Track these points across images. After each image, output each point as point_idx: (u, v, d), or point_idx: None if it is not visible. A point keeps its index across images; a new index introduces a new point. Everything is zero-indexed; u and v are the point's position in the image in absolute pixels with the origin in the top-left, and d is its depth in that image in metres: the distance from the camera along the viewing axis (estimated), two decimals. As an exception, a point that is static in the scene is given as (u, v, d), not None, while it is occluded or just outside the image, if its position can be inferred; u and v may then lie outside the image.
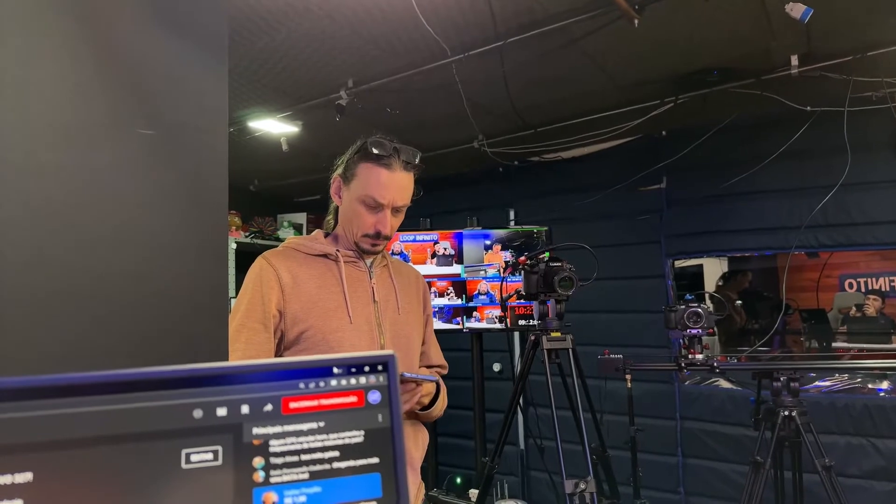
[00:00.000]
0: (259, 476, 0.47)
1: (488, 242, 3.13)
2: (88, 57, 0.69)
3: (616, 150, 3.35)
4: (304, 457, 0.49)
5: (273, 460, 0.48)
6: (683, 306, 2.11)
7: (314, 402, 0.50)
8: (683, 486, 3.14)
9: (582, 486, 1.84)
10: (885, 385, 2.85)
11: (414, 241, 3.14)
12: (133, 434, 0.45)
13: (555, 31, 2.01)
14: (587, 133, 3.12)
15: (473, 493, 2.68)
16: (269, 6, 1.86)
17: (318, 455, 0.49)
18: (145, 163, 0.73)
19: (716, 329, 4.03)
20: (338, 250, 1.36)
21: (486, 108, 2.77)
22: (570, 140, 3.20)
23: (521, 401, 2.30)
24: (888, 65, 2.29)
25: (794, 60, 2.26)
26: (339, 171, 1.37)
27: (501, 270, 3.06)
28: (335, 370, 0.51)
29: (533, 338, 2.16)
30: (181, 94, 0.77)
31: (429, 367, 1.56)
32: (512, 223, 3.76)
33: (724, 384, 3.12)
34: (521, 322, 3.03)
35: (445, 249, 3.12)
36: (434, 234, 3.14)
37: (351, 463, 0.50)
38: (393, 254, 3.05)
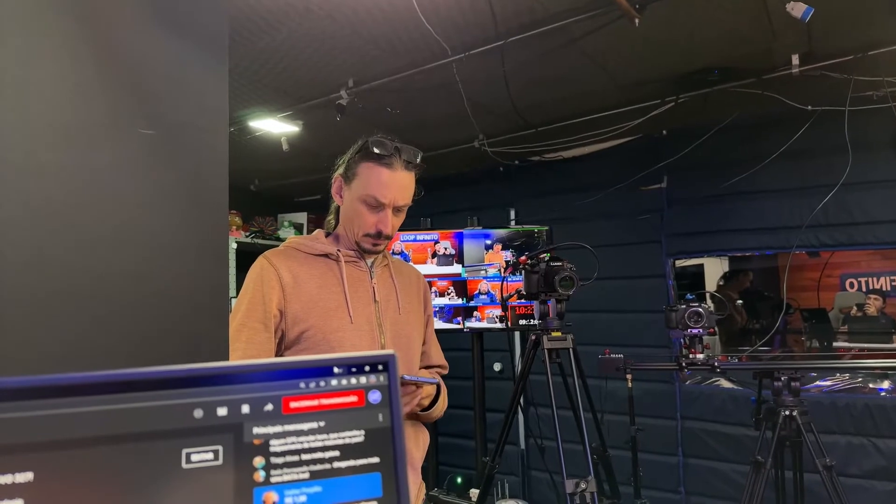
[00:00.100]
0: (259, 476, 0.47)
1: (489, 242, 3.13)
2: (88, 57, 0.69)
3: (617, 150, 3.34)
4: (305, 456, 0.49)
5: (273, 460, 0.48)
6: (684, 306, 2.11)
7: (315, 402, 0.50)
8: (684, 485, 3.14)
9: (582, 485, 1.84)
10: (885, 385, 2.84)
11: (414, 240, 3.14)
12: (133, 434, 0.45)
13: (555, 31, 2.01)
14: (588, 132, 3.11)
15: (474, 492, 2.68)
16: (270, 6, 1.86)
17: (319, 455, 0.49)
18: (145, 163, 0.73)
19: (716, 329, 4.03)
20: (339, 250, 1.36)
21: (487, 107, 2.77)
22: (570, 139, 3.20)
23: (521, 400, 2.30)
24: (889, 64, 2.28)
25: (795, 60, 2.26)
26: (341, 170, 1.37)
27: (502, 270, 3.06)
28: (336, 370, 0.51)
29: (533, 337, 2.16)
30: (181, 93, 0.77)
31: (429, 367, 1.56)
32: (512, 223, 3.76)
33: (725, 384, 3.12)
34: (522, 322, 3.03)
35: (446, 249, 3.12)
36: (435, 234, 3.14)
37: (351, 462, 0.50)
38: (393, 253, 3.05)
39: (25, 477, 0.42)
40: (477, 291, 3.09)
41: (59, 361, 0.63)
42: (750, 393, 2.68)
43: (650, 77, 2.52)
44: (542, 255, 2.18)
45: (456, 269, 3.11)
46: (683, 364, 2.10)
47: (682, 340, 2.13)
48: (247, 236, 4.04)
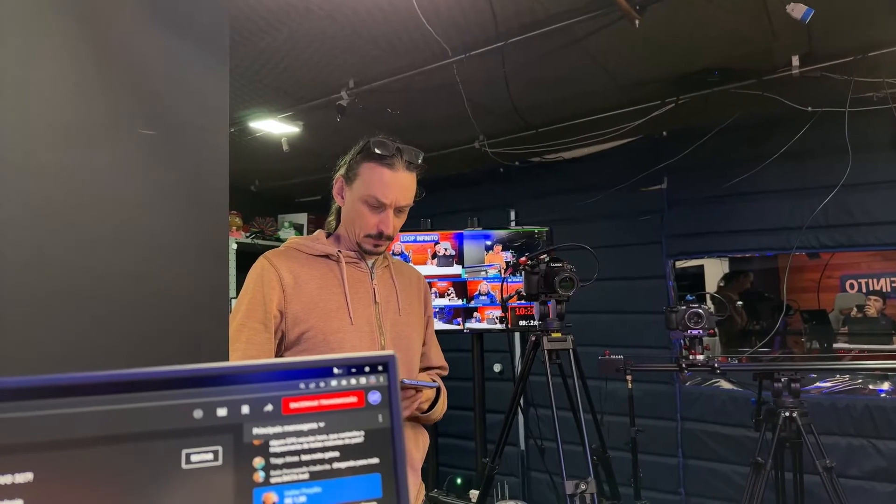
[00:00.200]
0: (259, 476, 0.47)
1: (489, 243, 3.13)
2: (88, 57, 0.69)
3: (617, 151, 3.34)
4: (305, 457, 0.49)
5: (273, 460, 0.48)
6: (684, 307, 2.11)
7: (314, 403, 0.50)
8: (684, 486, 3.14)
9: (582, 486, 1.84)
10: (886, 386, 2.84)
11: (415, 241, 3.14)
12: (133, 434, 0.45)
13: (556, 32, 2.01)
14: (588, 133, 3.11)
15: (474, 493, 2.67)
16: (271, 6, 1.86)
17: (319, 455, 0.49)
18: (145, 163, 0.73)
19: (716, 330, 4.03)
20: (339, 251, 1.36)
21: (488, 108, 2.77)
22: (571, 140, 3.20)
23: (521, 401, 2.30)
24: (889, 65, 2.28)
25: (795, 61, 2.26)
26: (342, 171, 1.37)
27: (502, 271, 3.06)
28: (335, 370, 0.51)
29: (533, 338, 2.15)
30: (182, 94, 0.77)
31: (429, 368, 1.56)
32: (513, 224, 3.76)
33: (725, 385, 3.12)
34: (522, 323, 3.03)
35: (446, 250, 3.12)
36: (435, 235, 3.14)
37: (351, 463, 0.50)
38: (394, 254, 3.05)
39: (25, 477, 0.42)
40: (477, 292, 3.09)
41: (59, 361, 0.63)
42: (750, 394, 2.68)
43: (651, 78, 2.52)
44: (542, 256, 2.18)
45: (456, 269, 3.11)
46: (683, 365, 2.10)
47: (682, 341, 2.13)
48: (247, 237, 4.04)
